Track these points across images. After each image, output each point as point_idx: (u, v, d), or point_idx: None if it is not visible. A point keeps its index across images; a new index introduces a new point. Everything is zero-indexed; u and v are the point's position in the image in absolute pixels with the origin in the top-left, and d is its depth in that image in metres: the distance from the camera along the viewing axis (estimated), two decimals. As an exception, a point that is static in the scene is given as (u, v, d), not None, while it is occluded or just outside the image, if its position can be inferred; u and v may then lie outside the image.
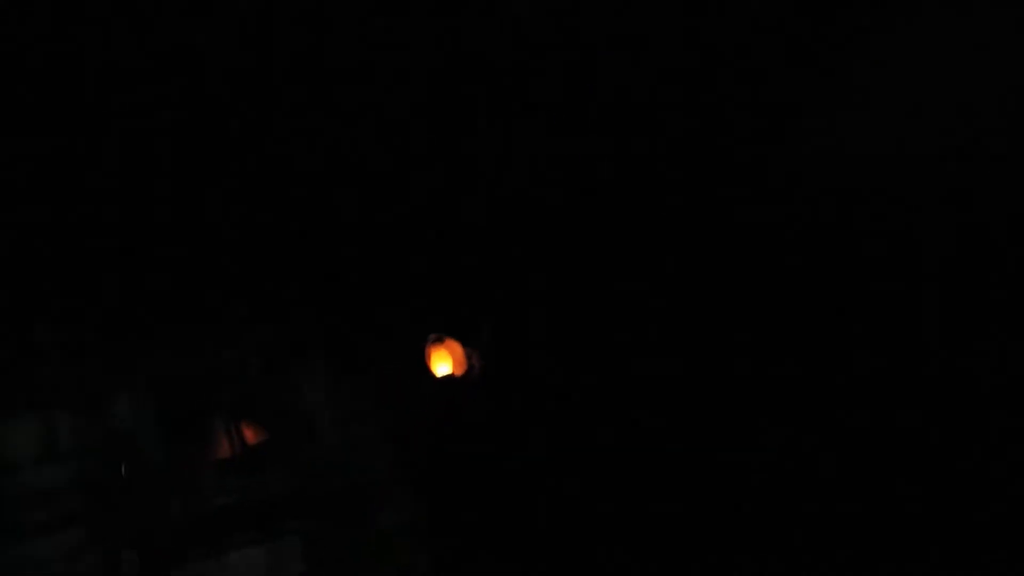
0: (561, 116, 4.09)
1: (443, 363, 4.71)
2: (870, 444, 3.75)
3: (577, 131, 4.10)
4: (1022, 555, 3.29)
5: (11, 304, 3.59)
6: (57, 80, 2.94)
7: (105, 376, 3.78)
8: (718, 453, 4.21)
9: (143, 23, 2.87)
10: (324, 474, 4.25)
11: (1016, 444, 3.41)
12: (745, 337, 4.14)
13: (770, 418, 4.04)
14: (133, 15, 2.84)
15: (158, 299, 4.05)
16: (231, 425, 4.11)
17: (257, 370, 4.36)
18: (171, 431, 3.84)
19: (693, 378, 4.36)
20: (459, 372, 4.77)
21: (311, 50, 3.30)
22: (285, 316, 4.47)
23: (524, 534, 4.54)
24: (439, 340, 4.76)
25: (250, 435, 4.20)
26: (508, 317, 4.97)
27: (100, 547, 3.50)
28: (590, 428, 4.67)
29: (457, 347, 4.81)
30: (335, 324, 4.65)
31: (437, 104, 3.82)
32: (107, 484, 3.57)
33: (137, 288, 3.97)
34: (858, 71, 3.43)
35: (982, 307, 3.55)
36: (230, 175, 3.88)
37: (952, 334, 3.60)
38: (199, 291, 4.19)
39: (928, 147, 3.52)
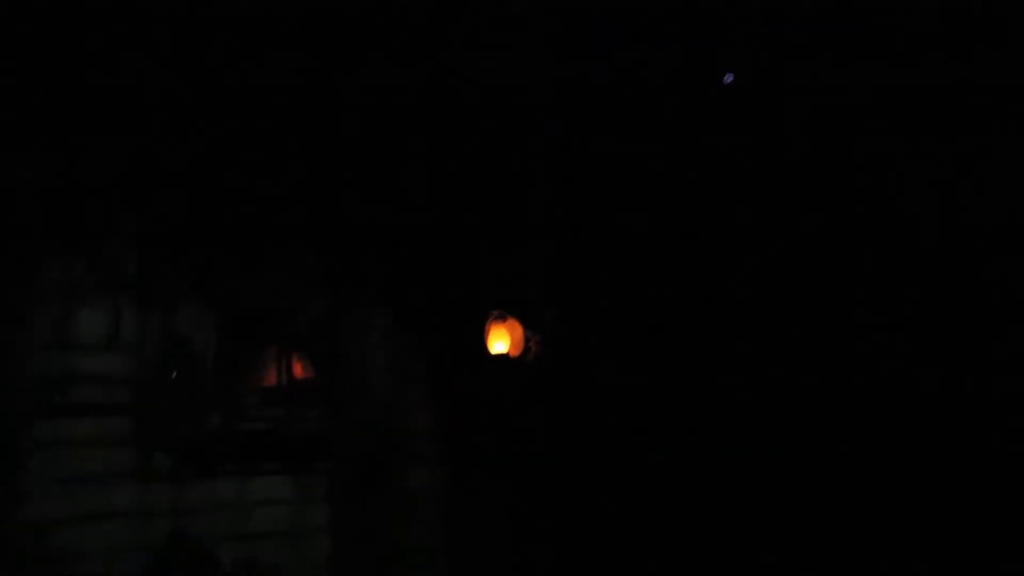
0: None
1: (500, 341, 4.66)
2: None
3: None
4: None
5: (102, 196, 3.74)
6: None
7: (177, 283, 3.89)
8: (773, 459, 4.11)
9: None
10: (362, 423, 4.25)
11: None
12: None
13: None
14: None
15: (245, 228, 4.16)
16: (282, 356, 4.17)
17: (320, 311, 4.41)
18: (225, 348, 3.92)
19: (755, 392, 4.21)
20: (515, 353, 4.71)
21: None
22: (355, 267, 4.51)
23: (551, 516, 4.46)
24: (501, 318, 4.72)
25: (298, 370, 4.25)
26: (575, 310, 4.88)
27: (138, 441, 3.60)
28: (632, 434, 4.54)
29: (518, 328, 4.75)
30: (403, 285, 4.67)
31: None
32: (156, 383, 3.68)
33: (227, 213, 4.09)
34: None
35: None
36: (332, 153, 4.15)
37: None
38: (282, 231, 4.28)
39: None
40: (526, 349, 4.71)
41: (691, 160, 4.17)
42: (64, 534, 3.35)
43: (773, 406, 4.17)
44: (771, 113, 4.09)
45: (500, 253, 4.82)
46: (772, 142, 4.09)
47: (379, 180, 4.43)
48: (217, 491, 3.71)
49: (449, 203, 4.62)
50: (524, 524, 4.54)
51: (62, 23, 3.55)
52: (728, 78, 4.09)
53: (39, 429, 3.42)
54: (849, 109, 3.88)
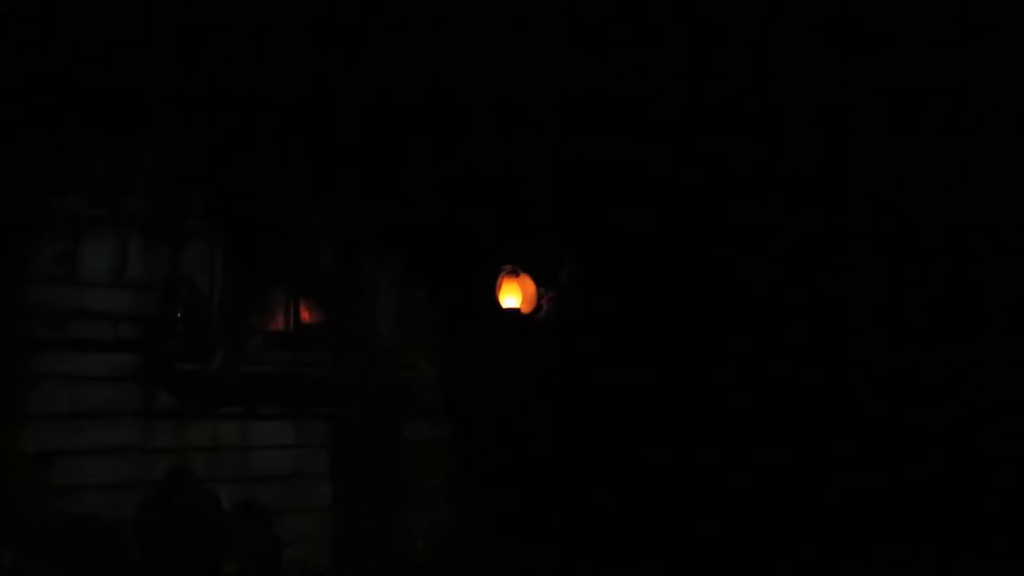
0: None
1: (512, 296, 4.57)
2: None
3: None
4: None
5: (111, 131, 3.67)
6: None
7: (185, 222, 3.84)
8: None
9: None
10: (368, 370, 4.22)
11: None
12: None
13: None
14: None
15: (255, 171, 4.08)
16: (290, 301, 4.13)
17: (330, 257, 4.36)
18: (233, 289, 3.89)
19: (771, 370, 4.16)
20: (526, 309, 4.63)
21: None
22: (368, 213, 4.43)
23: (548, 477, 4.45)
24: (514, 273, 4.62)
25: (306, 314, 4.21)
26: (592, 270, 4.77)
27: (141, 377, 3.59)
28: (636, 403, 4.48)
29: (530, 284, 4.66)
30: (416, 236, 4.58)
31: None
32: (161, 321, 3.65)
33: (236, 152, 4.01)
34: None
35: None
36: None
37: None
38: (295, 174, 4.20)
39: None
40: (538, 306, 4.63)
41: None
42: (66, 465, 3.37)
43: (776, 393, 4.13)
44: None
45: (517, 206, 4.71)
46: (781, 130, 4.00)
47: (395, 128, 4.32)
48: (219, 432, 3.72)
49: (467, 152, 4.51)
50: (525, 476, 4.53)
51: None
52: None
53: (44, 361, 3.42)
54: (850, 108, 3.81)
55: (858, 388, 3.85)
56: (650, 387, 4.47)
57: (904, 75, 3.64)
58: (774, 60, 3.83)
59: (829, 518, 3.80)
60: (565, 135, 4.49)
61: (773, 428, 4.09)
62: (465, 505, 4.42)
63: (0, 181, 3.44)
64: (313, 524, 3.86)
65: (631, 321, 4.63)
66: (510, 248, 4.70)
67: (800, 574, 3.77)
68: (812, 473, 3.90)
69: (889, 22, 3.58)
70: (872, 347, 3.86)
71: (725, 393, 4.26)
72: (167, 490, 3.51)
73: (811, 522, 3.83)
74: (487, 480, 4.49)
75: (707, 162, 4.26)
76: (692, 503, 4.25)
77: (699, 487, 4.25)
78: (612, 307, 4.64)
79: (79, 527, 3.35)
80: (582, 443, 4.58)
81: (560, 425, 4.62)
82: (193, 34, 3.72)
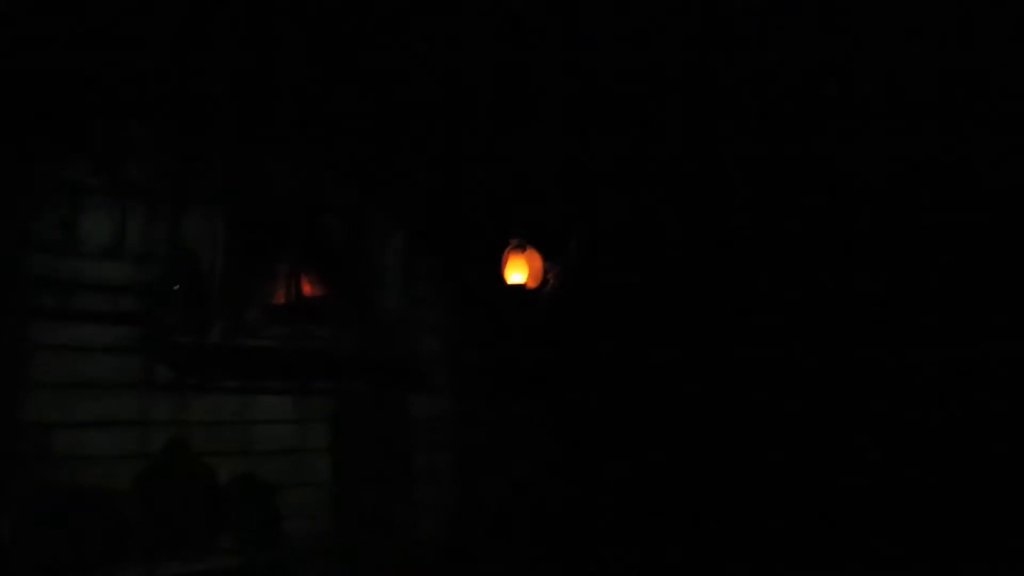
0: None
1: (518, 271, 4.49)
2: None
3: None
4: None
5: (112, 98, 3.59)
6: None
7: (185, 191, 3.77)
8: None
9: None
10: (370, 344, 4.18)
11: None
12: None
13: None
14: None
15: (259, 139, 3.99)
16: (293, 272, 4.07)
17: (333, 228, 4.29)
18: (234, 260, 3.83)
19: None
20: (532, 284, 4.56)
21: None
22: (372, 185, 4.35)
23: (557, 450, 4.43)
24: (520, 248, 4.54)
25: (308, 287, 4.16)
26: (599, 245, 4.68)
27: (140, 349, 3.56)
28: (641, 382, 4.43)
29: (537, 259, 4.58)
30: (420, 206, 4.50)
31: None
32: (160, 293, 3.61)
33: (240, 122, 3.92)
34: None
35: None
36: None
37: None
38: (298, 143, 4.11)
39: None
40: (544, 280, 4.55)
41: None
42: (64, 438, 3.36)
43: (777, 389, 4.08)
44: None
45: (524, 178, 4.61)
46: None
47: (401, 96, 4.21)
48: (219, 405, 3.69)
49: (473, 124, 4.39)
50: (529, 454, 4.50)
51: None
52: None
53: (42, 332, 3.39)
54: (852, 107, 3.77)
55: (858, 388, 3.83)
56: (655, 367, 4.43)
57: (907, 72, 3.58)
58: (776, 54, 3.76)
59: (829, 518, 3.78)
60: (575, 111, 4.37)
61: (774, 426, 4.05)
62: (470, 481, 4.40)
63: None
64: (313, 498, 3.85)
65: (637, 297, 4.56)
66: (517, 221, 4.61)
67: (801, 574, 3.73)
68: (812, 473, 3.88)
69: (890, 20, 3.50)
70: (872, 347, 3.82)
71: (723, 392, 4.22)
72: (163, 463, 3.52)
73: (811, 522, 3.81)
74: (494, 457, 4.47)
75: (706, 158, 4.17)
76: (689, 503, 4.23)
77: (697, 488, 4.22)
78: (619, 282, 4.57)
79: (77, 498, 3.37)
80: (590, 421, 4.54)
81: (567, 403, 4.57)
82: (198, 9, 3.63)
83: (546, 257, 4.60)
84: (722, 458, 4.17)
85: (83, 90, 3.57)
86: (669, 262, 4.41)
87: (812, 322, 4.02)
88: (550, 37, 3.99)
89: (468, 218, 4.59)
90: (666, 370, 4.36)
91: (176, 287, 3.60)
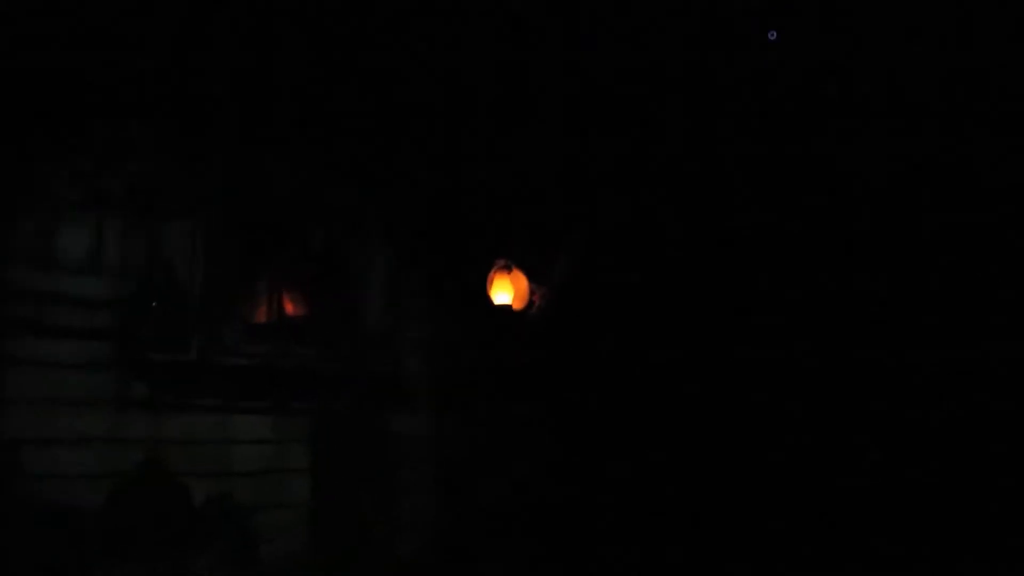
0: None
1: (503, 292, 4.46)
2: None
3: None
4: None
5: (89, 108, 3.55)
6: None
7: (163, 207, 3.73)
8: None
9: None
10: (354, 363, 4.12)
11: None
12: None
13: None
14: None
15: (240, 151, 3.95)
16: (274, 289, 4.02)
17: (317, 245, 4.24)
18: (213, 277, 3.78)
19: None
20: (518, 306, 4.52)
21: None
22: (357, 202, 4.31)
23: (541, 473, 4.35)
24: (506, 268, 4.51)
25: (290, 306, 4.11)
26: (587, 268, 4.65)
27: (115, 366, 3.49)
28: (629, 401, 4.37)
29: (523, 280, 4.54)
30: (406, 225, 4.46)
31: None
32: (136, 309, 3.55)
33: (221, 132, 3.88)
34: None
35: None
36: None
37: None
38: (282, 157, 4.07)
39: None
40: (529, 302, 4.51)
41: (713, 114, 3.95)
42: (35, 454, 3.28)
43: (775, 394, 4.04)
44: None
45: (511, 199, 4.59)
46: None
47: (388, 111, 4.20)
48: (195, 425, 3.61)
49: (460, 142, 4.38)
50: (519, 471, 4.43)
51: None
52: (772, 35, 3.84)
53: (15, 347, 3.33)
54: (852, 107, 3.80)
55: (858, 388, 3.79)
56: (655, 367, 4.36)
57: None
58: (776, 54, 3.78)
59: (829, 518, 3.74)
60: (575, 111, 4.35)
61: (774, 426, 4.00)
62: (456, 500, 4.32)
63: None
64: (293, 520, 3.77)
65: (637, 297, 4.51)
66: (503, 242, 4.59)
67: (801, 574, 3.69)
68: (812, 473, 3.83)
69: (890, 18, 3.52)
70: (872, 347, 3.79)
71: (723, 392, 4.17)
72: (137, 482, 3.44)
73: (811, 522, 3.76)
74: (479, 475, 4.40)
75: (706, 158, 4.15)
76: (689, 503, 4.17)
77: (697, 488, 4.16)
78: (619, 282, 4.52)
79: (48, 518, 3.29)
80: (589, 422, 4.48)
81: (566, 403, 4.51)
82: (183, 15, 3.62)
83: (532, 278, 4.57)
84: (722, 458, 4.10)
85: (58, 91, 3.52)
86: (669, 262, 4.36)
87: (812, 322, 3.98)
88: (550, 37, 4.00)
89: (455, 238, 4.55)
90: (666, 370, 4.30)
91: (153, 303, 3.54)
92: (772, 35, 3.81)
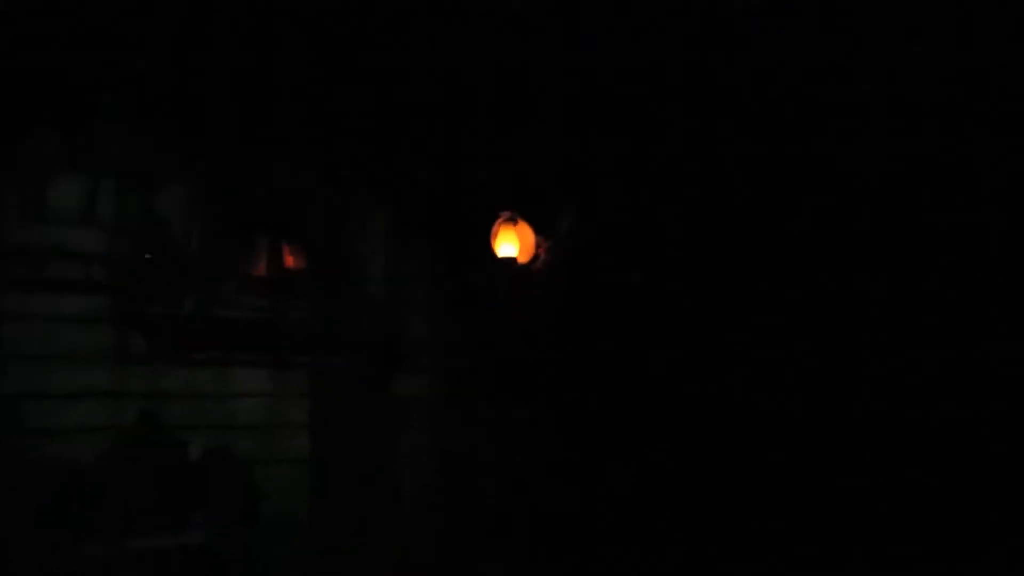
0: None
1: (508, 245, 4.35)
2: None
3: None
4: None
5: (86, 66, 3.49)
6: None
7: (162, 159, 3.67)
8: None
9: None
10: (353, 318, 4.06)
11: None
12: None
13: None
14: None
15: (240, 106, 3.88)
16: (274, 244, 3.96)
17: (317, 199, 4.16)
18: (212, 230, 3.73)
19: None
20: (524, 259, 4.41)
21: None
22: (358, 154, 4.21)
23: (549, 431, 4.30)
24: (511, 221, 4.39)
25: (290, 259, 4.05)
26: (600, 244, 4.51)
27: (112, 320, 3.47)
28: (635, 365, 4.29)
29: (529, 232, 4.43)
30: (408, 177, 4.36)
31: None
32: (132, 263, 3.52)
33: (220, 88, 3.81)
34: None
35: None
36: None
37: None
38: (281, 112, 3.99)
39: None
40: (536, 255, 4.40)
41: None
42: (33, 408, 3.29)
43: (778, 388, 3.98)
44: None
45: (515, 148, 4.45)
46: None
47: (386, 61, 4.07)
48: (193, 378, 3.59)
49: (463, 89, 4.24)
50: (519, 439, 4.36)
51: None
52: None
53: (11, 301, 3.32)
54: (852, 107, 3.79)
55: (858, 388, 3.79)
56: (654, 366, 4.32)
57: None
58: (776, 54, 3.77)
59: (829, 518, 3.72)
60: (575, 111, 4.28)
61: (773, 426, 3.98)
62: (457, 463, 4.28)
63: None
64: (291, 475, 3.76)
65: (637, 296, 4.43)
66: (508, 194, 4.46)
67: (801, 574, 3.69)
68: (812, 473, 3.82)
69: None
70: (872, 347, 3.80)
71: (723, 392, 4.14)
72: (135, 436, 3.44)
73: (811, 522, 3.75)
74: (481, 438, 4.34)
75: (706, 158, 4.13)
76: (689, 503, 4.14)
77: (697, 488, 4.13)
78: (618, 282, 4.45)
79: (46, 471, 3.31)
80: (588, 421, 4.40)
81: (563, 399, 4.42)
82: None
83: (538, 231, 4.45)
84: (722, 458, 4.07)
85: (60, 59, 3.47)
86: (669, 262, 4.33)
87: (812, 322, 3.97)
88: (550, 37, 3.95)
89: (459, 190, 4.44)
90: (666, 370, 4.27)
91: (148, 256, 3.50)
92: None
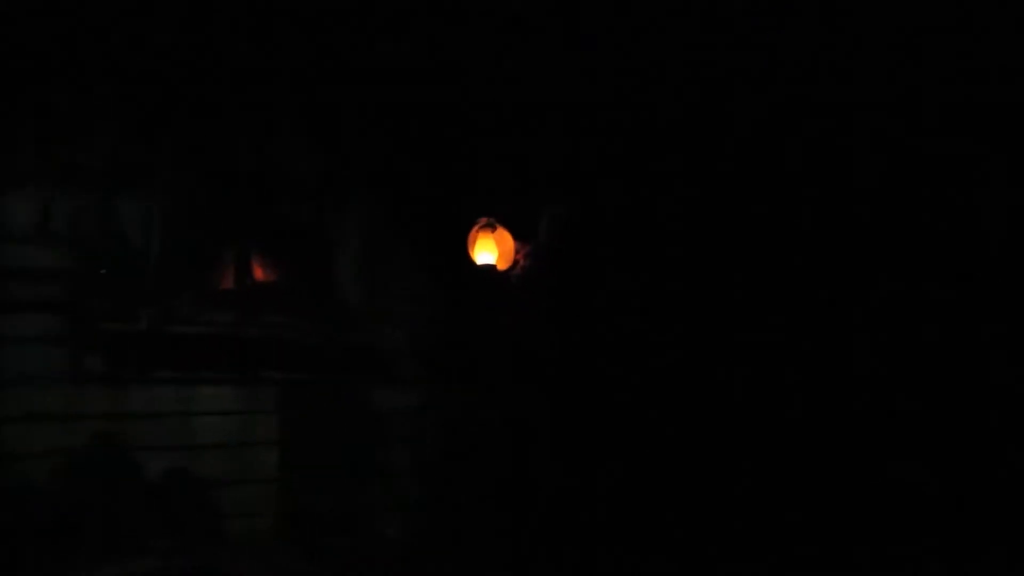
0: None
1: (487, 252, 4.21)
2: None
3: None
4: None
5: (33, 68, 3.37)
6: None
7: (118, 169, 3.55)
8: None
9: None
10: (327, 331, 3.92)
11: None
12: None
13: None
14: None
15: (199, 110, 3.76)
16: (240, 254, 3.83)
17: (285, 207, 4.03)
18: (172, 242, 3.60)
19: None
20: (503, 266, 4.26)
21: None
22: (328, 158, 4.08)
23: (528, 448, 4.17)
24: (490, 227, 4.25)
25: (258, 270, 3.91)
26: (575, 226, 4.38)
27: (70, 340, 3.35)
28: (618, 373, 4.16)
29: (508, 239, 4.28)
30: (380, 183, 4.22)
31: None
32: (88, 279, 3.39)
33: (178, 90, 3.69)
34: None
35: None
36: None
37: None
38: (244, 114, 3.87)
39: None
40: (515, 262, 4.26)
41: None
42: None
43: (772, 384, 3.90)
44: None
45: (495, 150, 4.32)
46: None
47: (357, 60, 3.95)
48: (153, 397, 3.46)
49: (438, 91, 4.11)
50: (501, 449, 4.21)
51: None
52: None
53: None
54: (852, 107, 3.80)
55: (858, 388, 3.78)
56: (652, 365, 4.21)
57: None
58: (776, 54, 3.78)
59: (829, 518, 3.70)
60: (572, 110, 4.22)
61: (773, 426, 3.94)
62: (435, 478, 4.13)
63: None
64: (258, 495, 3.62)
65: (634, 295, 4.31)
66: (487, 199, 4.33)
67: (801, 574, 3.62)
68: (812, 473, 3.79)
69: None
70: (872, 346, 3.79)
71: (721, 392, 4.06)
72: (92, 458, 3.31)
73: (811, 522, 3.71)
74: (462, 451, 4.20)
75: (706, 157, 4.08)
76: (687, 496, 4.04)
77: (694, 488, 4.03)
78: (615, 281, 4.33)
79: (4, 497, 3.19)
80: (567, 411, 4.26)
81: (540, 392, 4.28)
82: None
83: (518, 237, 4.30)
84: (722, 458, 3.97)
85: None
86: (669, 262, 4.25)
87: (812, 322, 3.93)
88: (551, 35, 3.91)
89: (436, 196, 4.30)
90: (662, 369, 4.17)
91: (103, 271, 3.38)
92: None
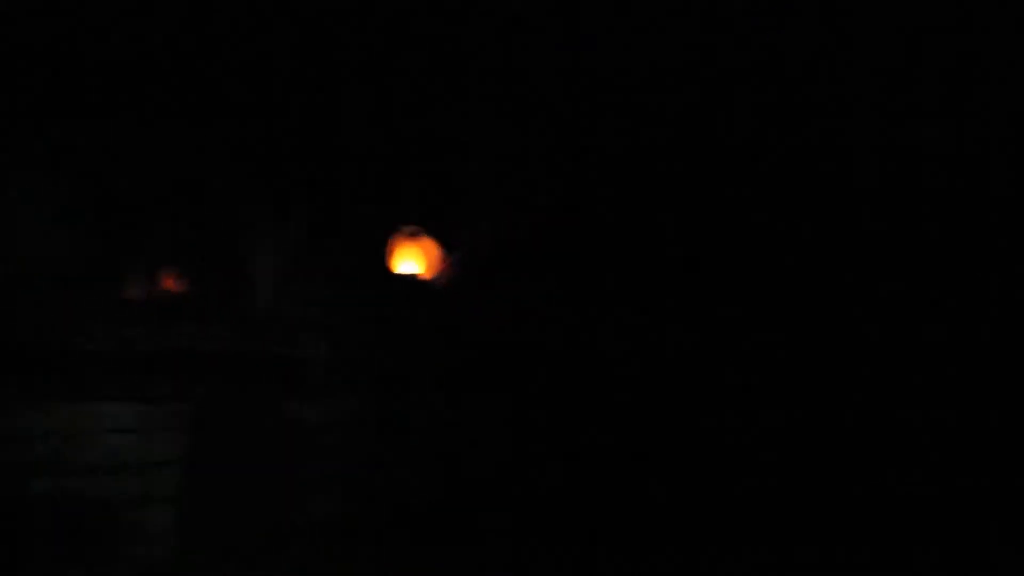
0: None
1: (409, 261, 4.09)
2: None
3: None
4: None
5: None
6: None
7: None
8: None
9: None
10: (240, 344, 3.78)
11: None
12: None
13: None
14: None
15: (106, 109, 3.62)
16: (144, 263, 3.68)
17: (197, 213, 3.89)
18: (68, 249, 3.45)
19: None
20: (427, 275, 4.15)
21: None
22: (243, 160, 3.95)
23: (455, 459, 4.06)
24: (413, 235, 4.14)
25: (171, 283, 3.77)
26: (503, 234, 4.29)
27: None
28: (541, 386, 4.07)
29: (433, 248, 4.18)
30: (302, 190, 4.10)
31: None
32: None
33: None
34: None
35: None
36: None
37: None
38: (155, 112, 3.74)
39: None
40: (439, 272, 4.15)
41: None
42: None
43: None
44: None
45: (422, 158, 4.21)
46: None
47: (271, 68, 3.83)
48: (47, 416, 3.30)
49: (361, 91, 4.00)
50: (427, 465, 4.10)
51: None
52: None
53: None
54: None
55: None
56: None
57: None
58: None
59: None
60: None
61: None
62: (354, 494, 4.00)
63: None
64: (162, 518, 3.46)
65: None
66: (412, 207, 4.22)
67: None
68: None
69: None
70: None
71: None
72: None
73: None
74: (381, 467, 4.07)
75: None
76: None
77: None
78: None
79: None
80: (495, 421, 4.16)
81: (463, 404, 4.18)
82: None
83: (445, 246, 4.20)
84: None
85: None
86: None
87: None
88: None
89: (357, 203, 4.18)
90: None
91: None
92: None
